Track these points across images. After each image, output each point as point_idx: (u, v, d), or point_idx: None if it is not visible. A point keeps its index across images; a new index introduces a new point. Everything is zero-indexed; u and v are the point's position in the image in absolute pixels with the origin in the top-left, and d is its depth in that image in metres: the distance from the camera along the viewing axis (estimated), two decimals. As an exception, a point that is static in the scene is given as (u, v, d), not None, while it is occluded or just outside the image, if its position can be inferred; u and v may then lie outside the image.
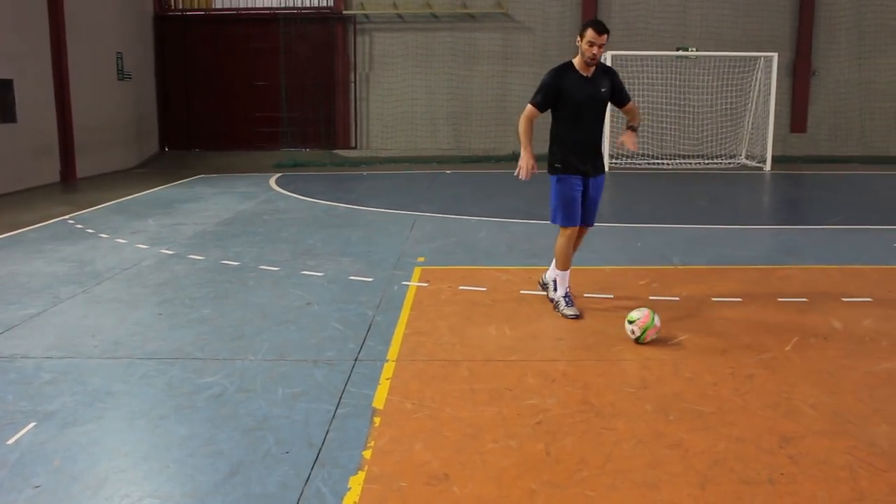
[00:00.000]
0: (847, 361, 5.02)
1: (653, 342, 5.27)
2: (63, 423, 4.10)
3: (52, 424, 4.08)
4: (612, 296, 6.52)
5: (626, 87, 6.22)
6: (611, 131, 15.76)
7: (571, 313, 5.89)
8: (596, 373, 4.81)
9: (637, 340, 5.25)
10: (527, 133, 5.90)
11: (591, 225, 6.21)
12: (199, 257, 8.13)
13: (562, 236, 6.04)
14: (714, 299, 6.42)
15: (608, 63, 17.47)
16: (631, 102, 6.15)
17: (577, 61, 5.86)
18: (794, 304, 6.36)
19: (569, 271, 6.05)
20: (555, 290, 6.15)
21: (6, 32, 14.24)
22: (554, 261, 6.14)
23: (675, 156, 19.15)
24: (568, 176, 5.93)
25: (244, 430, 3.98)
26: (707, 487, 3.41)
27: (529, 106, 5.91)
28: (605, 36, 5.67)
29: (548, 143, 6.00)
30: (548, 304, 6.24)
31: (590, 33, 5.69)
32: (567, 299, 5.99)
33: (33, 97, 15.03)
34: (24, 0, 14.81)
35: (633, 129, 6.14)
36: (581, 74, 5.85)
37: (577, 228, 6.04)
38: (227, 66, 20.81)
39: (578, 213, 6.00)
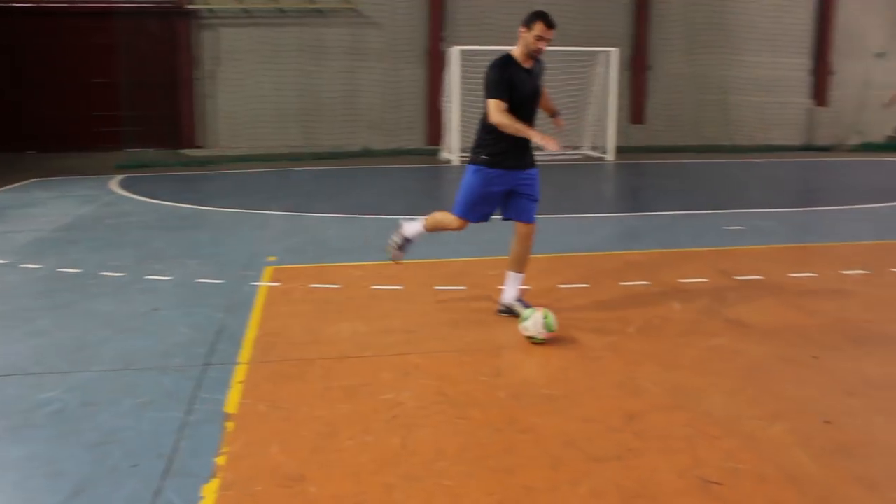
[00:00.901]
0: (685, 339, 5.32)
1: (501, 330, 5.40)
2: None
3: None
4: (463, 287, 6.63)
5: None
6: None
7: (396, 255, 6.25)
8: (449, 364, 4.88)
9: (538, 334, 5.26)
10: (514, 120, 5.47)
11: (531, 222, 5.88)
12: (35, 266, 7.66)
13: (450, 216, 5.90)
14: (561, 286, 6.65)
15: (455, 58, 17.73)
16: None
17: (517, 53, 5.55)
18: (637, 287, 6.66)
19: (419, 232, 6.12)
20: (403, 238, 6.20)
21: None
22: (426, 221, 6.07)
23: (523, 148, 19.63)
24: (490, 170, 5.62)
25: (88, 446, 3.79)
26: (559, 468, 3.53)
27: (498, 101, 5.43)
28: (554, 31, 5.48)
29: (476, 132, 5.74)
30: (401, 299, 6.27)
31: (540, 27, 5.41)
32: (404, 244, 6.22)
33: None
34: None
35: (557, 113, 6.29)
36: (524, 67, 5.58)
37: (467, 224, 5.88)
38: (61, 63, 19.64)
39: (482, 212, 5.79)
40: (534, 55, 5.57)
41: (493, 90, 5.47)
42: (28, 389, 4.51)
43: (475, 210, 5.76)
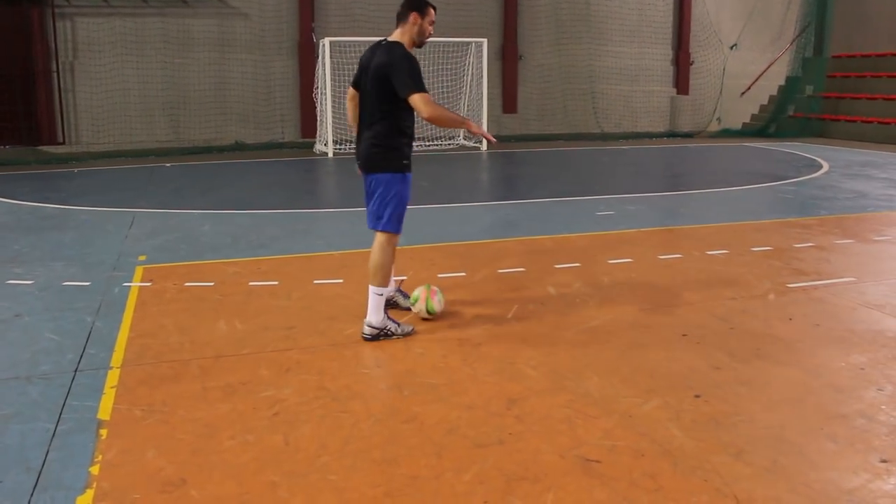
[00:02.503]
0: (562, 323, 5.47)
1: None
2: None
3: None
4: (341, 280, 6.59)
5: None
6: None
7: (409, 329, 5.27)
8: (329, 358, 4.85)
9: (430, 311, 5.49)
10: (447, 110, 5.16)
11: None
12: None
13: (388, 245, 5.27)
14: (439, 276, 6.70)
15: (326, 50, 17.55)
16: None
17: (406, 42, 5.23)
18: (513, 274, 6.80)
19: (384, 293, 5.26)
20: (381, 319, 5.18)
21: None
22: (374, 279, 5.19)
23: (398, 139, 19.65)
24: (410, 175, 5.31)
25: (-54, 463, 3.57)
26: (443, 455, 3.57)
27: (423, 94, 4.92)
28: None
29: (377, 135, 5.18)
30: (278, 294, 6.18)
31: (433, 13, 5.28)
32: (396, 323, 5.25)
33: None
34: None
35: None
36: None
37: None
38: None
39: None
40: (423, 43, 5.32)
41: (416, 81, 4.95)
42: None
43: (402, 218, 5.34)
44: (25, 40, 18.93)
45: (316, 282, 6.48)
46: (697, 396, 4.22)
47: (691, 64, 23.77)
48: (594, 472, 3.42)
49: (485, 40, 19.17)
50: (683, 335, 5.21)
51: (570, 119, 22.64)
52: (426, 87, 5.01)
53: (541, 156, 17.86)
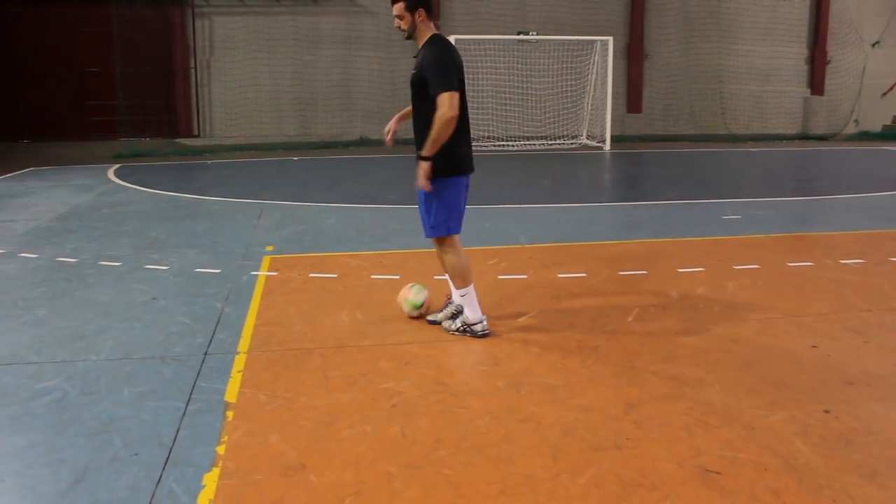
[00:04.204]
0: (684, 328, 5.33)
1: (500, 320, 5.42)
2: None
3: None
4: (463, 277, 6.62)
5: (437, 71, 4.77)
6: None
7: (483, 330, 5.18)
8: (448, 353, 4.89)
9: (416, 307, 5.46)
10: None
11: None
12: (33, 255, 7.65)
13: (452, 247, 5.09)
14: (560, 275, 6.65)
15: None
16: (439, 97, 4.71)
17: None
18: (635, 276, 6.67)
19: (464, 294, 5.13)
20: (460, 325, 5.18)
21: None
22: (454, 281, 5.15)
23: (519, 137, 19.64)
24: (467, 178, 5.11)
25: (89, 435, 3.79)
26: (559, 457, 3.54)
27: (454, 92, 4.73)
28: (396, 5, 4.86)
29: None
30: (399, 288, 6.26)
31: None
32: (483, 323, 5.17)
33: None
34: None
35: (421, 157, 4.80)
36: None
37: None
38: (55, 52, 19.58)
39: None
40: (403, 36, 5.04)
41: (447, 79, 4.76)
42: (27, 378, 4.51)
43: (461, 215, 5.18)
44: (167, 39, 19.93)
45: (436, 277, 6.54)
46: (827, 412, 4.03)
47: (828, 63, 22.72)
48: (714, 483, 3.31)
49: (610, 39, 18.89)
50: (813, 346, 4.98)
51: (696, 119, 22.05)
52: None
53: (665, 157, 17.46)
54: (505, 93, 19.69)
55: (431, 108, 4.77)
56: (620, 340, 5.09)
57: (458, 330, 5.17)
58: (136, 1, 19.52)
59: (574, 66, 19.81)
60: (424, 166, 4.79)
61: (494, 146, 18.85)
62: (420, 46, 4.96)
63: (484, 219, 9.41)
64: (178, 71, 19.99)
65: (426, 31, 4.94)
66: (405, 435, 3.77)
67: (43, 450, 3.66)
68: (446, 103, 4.68)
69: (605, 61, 18.89)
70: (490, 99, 19.31)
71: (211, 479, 3.36)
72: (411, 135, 5.02)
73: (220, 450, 3.63)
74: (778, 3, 22.22)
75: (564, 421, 3.91)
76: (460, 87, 4.85)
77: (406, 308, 5.48)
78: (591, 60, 19.62)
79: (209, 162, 16.95)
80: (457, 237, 5.13)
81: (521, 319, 5.50)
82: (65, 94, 19.67)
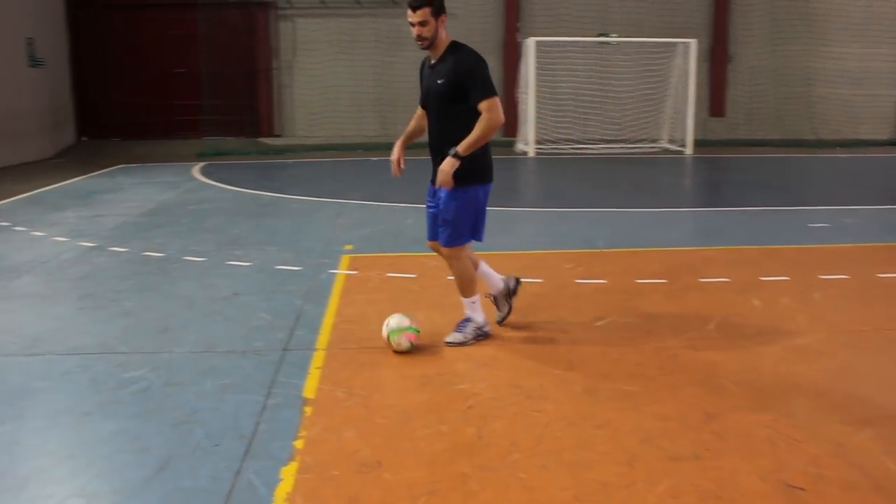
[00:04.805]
0: (767, 338, 5.19)
1: (577, 324, 5.37)
2: (-20, 423, 3.96)
3: (-32, 425, 3.93)
4: (539, 280, 6.59)
5: (480, 78, 4.68)
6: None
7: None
8: (524, 356, 4.87)
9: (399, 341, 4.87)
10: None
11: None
12: (122, 249, 7.92)
13: (459, 258, 5.00)
14: (638, 281, 6.55)
15: (530, 50, 17.58)
16: (486, 102, 4.62)
17: None
18: (716, 284, 6.53)
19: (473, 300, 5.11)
20: (471, 330, 5.10)
21: None
22: (466, 289, 5.07)
23: (598, 140, 19.43)
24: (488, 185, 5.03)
25: (172, 424, 3.90)
26: (635, 465, 3.49)
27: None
28: (420, 11, 4.62)
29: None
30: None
31: (407, 11, 4.72)
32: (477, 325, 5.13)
33: (-61, 85, 14.37)
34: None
35: (453, 154, 4.67)
36: (430, 62, 4.93)
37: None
38: (144, 53, 20.23)
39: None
40: (419, 45, 4.83)
41: (489, 83, 4.71)
42: (116, 367, 4.66)
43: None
44: (251, 40, 20.38)
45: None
46: (920, 429, 3.87)
47: (926, 66, 21.80)
48: (797, 499, 3.21)
49: (693, 41, 18.52)
50: (905, 361, 4.80)
51: (783, 124, 21.43)
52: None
53: (749, 162, 17.06)
54: (584, 95, 19.50)
55: (464, 116, 4.67)
56: (700, 348, 4.99)
57: (471, 338, 5.07)
58: (222, 4, 20.01)
59: (655, 68, 19.49)
60: (454, 163, 4.65)
61: (573, 149, 18.69)
62: (440, 54, 4.79)
63: (561, 222, 9.35)
64: (260, 72, 20.41)
65: (446, 38, 4.80)
66: (480, 436, 3.76)
67: (129, 437, 3.78)
68: (496, 108, 4.63)
69: (688, 64, 18.53)
70: (569, 101, 19.15)
71: (288, 473, 3.42)
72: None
73: (298, 444, 3.68)
74: (873, 2, 21.40)
75: (641, 428, 3.85)
76: None
77: (394, 341, 4.84)
78: (673, 63, 19.28)
79: (290, 161, 17.26)
80: (466, 245, 5.02)
81: (598, 324, 5.44)
82: (152, 93, 20.29)
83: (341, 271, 6.92)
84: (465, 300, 5.11)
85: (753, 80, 21.41)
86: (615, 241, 8.21)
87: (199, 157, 17.69)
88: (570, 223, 9.30)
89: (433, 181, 4.95)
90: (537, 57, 17.69)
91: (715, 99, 21.32)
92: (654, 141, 19.39)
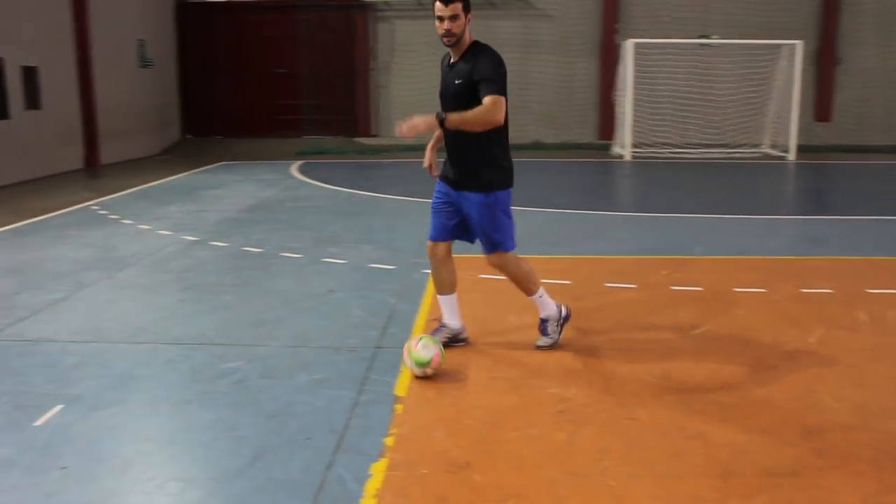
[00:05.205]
0: (872, 353, 4.97)
1: (672, 332, 5.26)
2: (88, 406, 4.15)
3: (77, 407, 4.12)
4: (634, 285, 6.49)
5: (495, 77, 4.48)
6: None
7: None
8: (617, 362, 4.79)
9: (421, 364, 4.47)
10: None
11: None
12: (222, 244, 8.18)
13: (508, 261, 4.94)
14: (737, 289, 6.38)
15: (629, 52, 17.32)
16: (490, 97, 4.38)
17: None
18: (819, 295, 6.30)
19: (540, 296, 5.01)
20: (554, 326, 5.03)
21: (31, 20, 14.33)
22: (528, 288, 4.99)
23: (696, 145, 19.01)
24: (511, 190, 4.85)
25: (267, 416, 4.00)
26: (729, 479, 3.39)
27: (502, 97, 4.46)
28: (453, 5, 4.42)
29: (473, 149, 4.66)
30: (569, 294, 6.21)
31: (436, 4, 4.47)
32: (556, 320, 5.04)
33: (57, 84, 15.13)
34: (48, -13, 14.93)
35: (437, 115, 4.42)
36: (450, 60, 4.72)
37: None
38: (247, 54, 20.88)
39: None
40: (444, 42, 4.58)
41: (504, 87, 4.51)
42: (215, 359, 4.81)
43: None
44: (350, 42, 20.75)
45: (607, 284, 6.44)
46: None
47: None
48: (904, 522, 3.08)
49: (799, 42, 17.91)
50: None
51: (894, 129, 20.50)
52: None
53: (856, 168, 16.39)
54: (683, 99, 19.10)
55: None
56: (801, 362, 4.82)
57: (558, 333, 5.01)
58: (323, 6, 20.42)
59: (758, 70, 18.94)
60: (431, 121, 4.34)
61: (671, 153, 18.34)
62: (461, 53, 4.60)
63: (657, 227, 9.18)
64: (358, 72, 20.76)
65: (470, 37, 4.62)
66: (571, 442, 3.73)
67: (226, 426, 3.89)
68: (500, 107, 4.38)
69: (793, 66, 17.93)
70: (667, 105, 18.80)
71: (378, 469, 3.46)
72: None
73: (389, 441, 3.72)
74: None
75: (736, 442, 3.74)
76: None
77: (409, 363, 4.50)
78: (777, 65, 18.70)
79: (386, 161, 17.48)
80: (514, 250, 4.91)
81: (694, 332, 5.32)
82: (254, 93, 20.92)
83: (434, 271, 6.95)
84: (532, 299, 4.99)
85: (864, 83, 20.56)
86: (713, 248, 8.01)
87: (298, 155, 18.10)
88: (666, 228, 9.13)
89: (449, 182, 4.82)
90: (635, 59, 17.43)
91: (821, 103, 20.58)
92: (755, 146, 18.86)
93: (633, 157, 17.34)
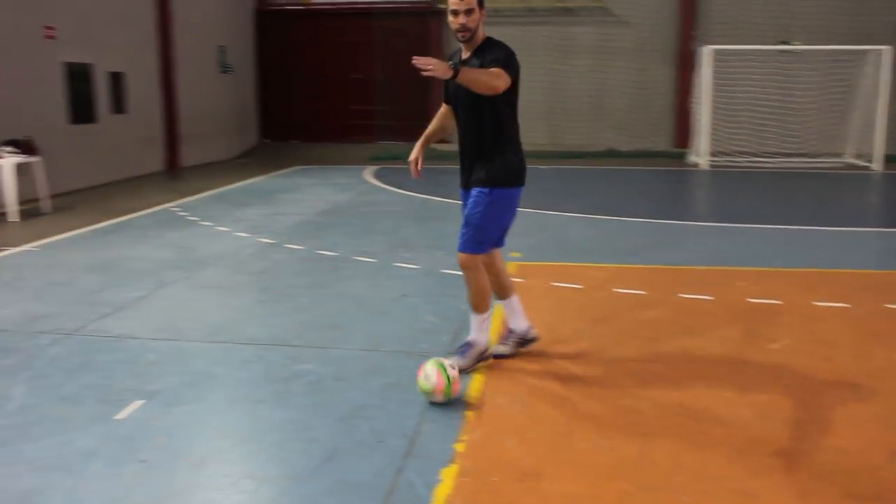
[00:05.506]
0: (962, 373, 4.78)
1: (749, 346, 5.14)
2: (167, 402, 4.26)
3: (156, 403, 4.24)
4: (710, 297, 6.36)
5: (508, 62, 4.51)
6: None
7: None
8: (691, 375, 4.70)
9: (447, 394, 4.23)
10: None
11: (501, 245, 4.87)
12: (298, 247, 8.31)
13: (477, 268, 4.60)
14: (817, 304, 6.20)
15: (706, 58, 17.01)
16: (500, 69, 4.37)
17: None
18: (905, 311, 6.09)
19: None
20: (474, 354, 4.73)
21: (119, 28, 14.82)
22: (480, 305, 4.68)
23: (775, 154, 18.54)
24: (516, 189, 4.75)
25: (339, 418, 4.05)
26: (809, 499, 3.29)
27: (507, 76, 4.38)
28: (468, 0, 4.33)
29: (487, 144, 4.71)
30: (642, 304, 6.13)
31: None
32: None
33: (142, 89, 15.61)
34: (135, -5, 15.45)
35: (453, 64, 4.37)
36: (461, 57, 4.69)
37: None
38: (323, 60, 21.21)
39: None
40: (458, 38, 4.55)
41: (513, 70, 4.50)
42: (289, 360, 4.89)
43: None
44: (424, 48, 20.84)
45: (682, 295, 6.33)
46: None
47: None
48: None
49: (887, 48, 17.31)
50: None
51: None
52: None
53: (946, 181, 15.77)
54: (762, 106, 18.65)
55: (497, 118, 4.57)
56: (887, 380, 4.65)
57: (474, 360, 4.71)
58: (397, 12, 20.61)
59: (841, 77, 18.38)
60: (447, 69, 4.15)
61: (749, 162, 17.93)
62: (473, 49, 4.58)
63: (735, 238, 8.98)
64: (432, 79, 20.76)
65: (482, 34, 4.59)
66: (643, 455, 3.67)
67: (299, 427, 3.95)
68: (503, 78, 4.30)
69: (879, 73, 17.35)
70: (745, 112, 18.39)
71: (448, 475, 3.46)
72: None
73: (459, 447, 3.73)
74: None
75: (816, 461, 3.63)
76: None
77: (441, 395, 4.23)
78: (862, 72, 18.12)
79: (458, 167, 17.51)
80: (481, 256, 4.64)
81: (772, 346, 5.19)
82: (330, 98, 21.23)
83: (506, 278, 6.94)
84: (473, 317, 4.70)
85: (954, 91, 19.75)
86: (792, 260, 7.80)
87: (373, 160, 18.28)
88: (743, 239, 8.92)
89: (462, 185, 4.79)
90: (714, 66, 17.11)
91: (909, 111, 19.84)
92: (837, 155, 18.30)
93: (710, 166, 17.02)
